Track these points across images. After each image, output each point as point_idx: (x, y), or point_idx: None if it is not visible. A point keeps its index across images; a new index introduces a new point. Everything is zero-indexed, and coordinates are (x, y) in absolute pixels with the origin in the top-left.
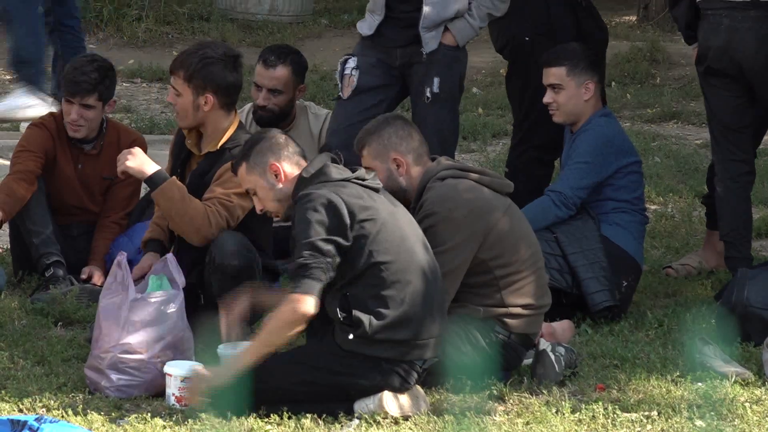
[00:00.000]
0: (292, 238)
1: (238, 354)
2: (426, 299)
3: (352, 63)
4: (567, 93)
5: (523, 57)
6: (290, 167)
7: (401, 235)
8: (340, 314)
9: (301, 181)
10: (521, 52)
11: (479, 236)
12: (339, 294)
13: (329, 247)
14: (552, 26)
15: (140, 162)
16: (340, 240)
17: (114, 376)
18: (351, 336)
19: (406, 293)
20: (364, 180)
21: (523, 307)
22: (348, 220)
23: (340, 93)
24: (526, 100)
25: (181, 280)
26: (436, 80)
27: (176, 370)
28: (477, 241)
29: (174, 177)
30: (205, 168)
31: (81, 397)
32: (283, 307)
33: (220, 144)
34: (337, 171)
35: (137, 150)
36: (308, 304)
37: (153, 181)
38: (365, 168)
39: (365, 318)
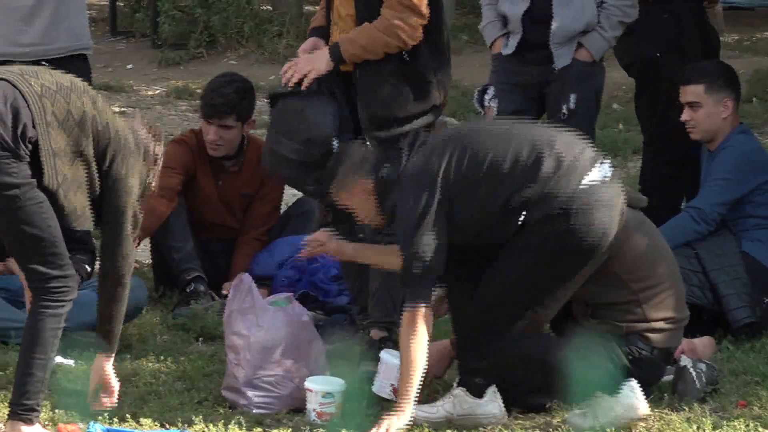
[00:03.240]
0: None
1: (401, 392)
2: None
3: (490, 93)
4: (705, 111)
5: (652, 74)
6: None
7: None
8: None
9: None
10: (650, 69)
11: (603, 252)
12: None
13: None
14: (682, 42)
15: (312, 59)
16: None
17: (251, 393)
18: None
19: None
20: None
21: (665, 320)
22: None
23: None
24: (657, 117)
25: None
26: (572, 96)
27: (317, 385)
28: (599, 257)
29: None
30: None
31: (222, 412)
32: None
33: None
34: None
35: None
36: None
37: (333, 55)
38: None
39: None
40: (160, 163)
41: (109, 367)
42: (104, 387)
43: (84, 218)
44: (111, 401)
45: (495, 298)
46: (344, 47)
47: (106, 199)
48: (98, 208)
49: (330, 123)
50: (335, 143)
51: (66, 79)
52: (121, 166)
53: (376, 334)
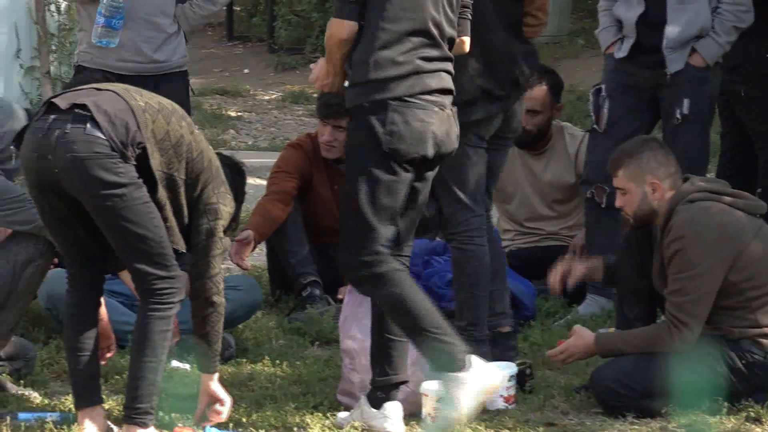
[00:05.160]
0: None
1: None
2: None
3: (602, 93)
4: None
5: (764, 75)
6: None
7: None
8: None
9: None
10: (762, 70)
11: (728, 260)
12: None
13: None
14: None
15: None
16: None
17: None
18: None
19: None
20: None
21: None
22: None
23: (595, 125)
24: None
25: None
26: (685, 102)
27: (432, 390)
28: (726, 265)
29: None
30: None
31: (336, 417)
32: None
33: None
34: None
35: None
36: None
37: None
38: (617, 188)
39: None
40: (244, 196)
41: (215, 384)
42: (217, 402)
43: (175, 237)
44: (224, 412)
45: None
46: None
47: (195, 224)
48: (186, 235)
49: None
50: None
51: (167, 102)
52: (212, 194)
53: (505, 328)
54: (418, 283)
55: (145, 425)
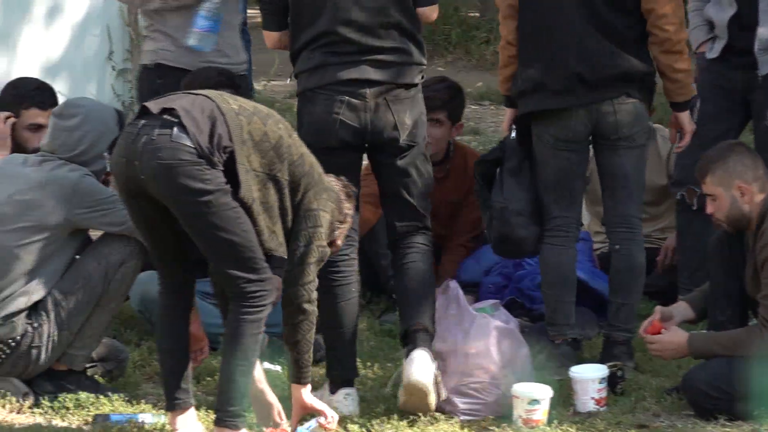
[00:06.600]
0: None
1: None
2: None
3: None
4: None
5: None
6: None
7: None
8: None
9: None
10: None
11: None
12: None
13: None
14: None
15: None
16: None
17: (457, 400)
18: None
19: None
20: None
21: None
22: None
23: None
24: None
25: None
26: None
27: (523, 392)
28: None
29: None
30: None
31: (427, 419)
32: None
33: None
34: None
35: None
36: None
37: None
38: (707, 195)
39: None
40: (350, 221)
41: (307, 396)
42: (320, 415)
43: (272, 242)
44: (333, 423)
45: None
46: None
47: (294, 229)
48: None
49: None
50: None
51: (262, 106)
52: (314, 199)
53: (620, 336)
54: (510, 285)
55: (236, 427)
